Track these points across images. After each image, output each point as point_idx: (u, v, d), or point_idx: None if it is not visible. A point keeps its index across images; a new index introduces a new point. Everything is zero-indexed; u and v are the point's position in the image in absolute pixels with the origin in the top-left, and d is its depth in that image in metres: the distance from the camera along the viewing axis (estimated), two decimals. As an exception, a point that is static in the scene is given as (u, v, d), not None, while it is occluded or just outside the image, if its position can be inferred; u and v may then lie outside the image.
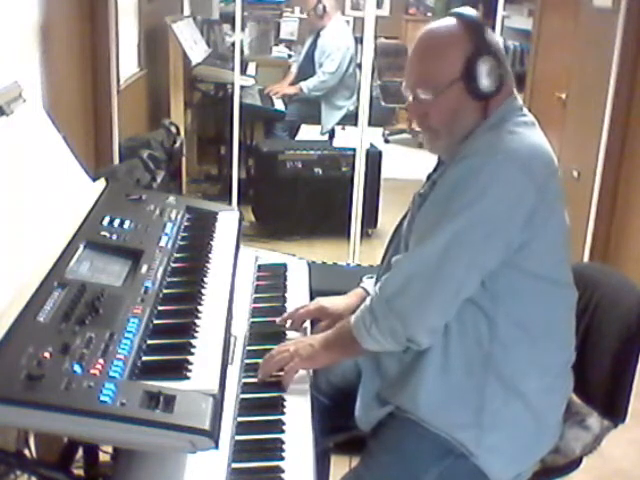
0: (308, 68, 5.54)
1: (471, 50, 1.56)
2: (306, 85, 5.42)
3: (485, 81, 1.56)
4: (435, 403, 1.58)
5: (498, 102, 1.59)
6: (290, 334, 1.84)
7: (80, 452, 1.60)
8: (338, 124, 5.62)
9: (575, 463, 1.76)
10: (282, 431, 1.51)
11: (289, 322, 1.85)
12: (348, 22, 6.59)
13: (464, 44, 1.57)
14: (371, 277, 1.91)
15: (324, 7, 5.38)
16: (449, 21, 1.61)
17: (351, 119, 5.42)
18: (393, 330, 1.54)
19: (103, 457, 1.70)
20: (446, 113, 1.58)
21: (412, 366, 1.60)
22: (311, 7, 5.46)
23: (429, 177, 1.70)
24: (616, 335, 1.73)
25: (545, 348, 1.60)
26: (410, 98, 1.63)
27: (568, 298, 1.67)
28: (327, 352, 1.67)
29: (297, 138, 5.70)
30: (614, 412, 1.73)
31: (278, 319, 1.85)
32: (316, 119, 5.56)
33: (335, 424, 1.77)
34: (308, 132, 5.84)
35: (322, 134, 5.59)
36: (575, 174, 4.17)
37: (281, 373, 1.64)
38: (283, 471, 1.41)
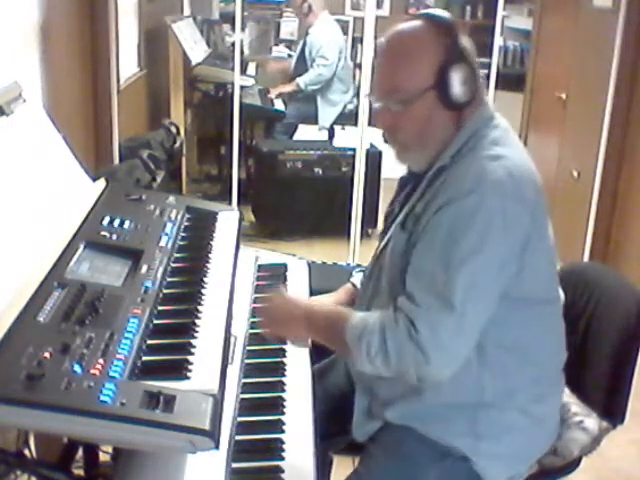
0: (301, 67, 5.55)
1: (444, 57, 1.47)
2: (302, 80, 5.41)
3: (459, 90, 1.47)
4: (428, 417, 1.56)
5: (470, 111, 1.52)
6: None
7: (80, 452, 1.60)
8: (338, 124, 5.61)
9: (573, 465, 1.75)
10: (282, 431, 1.51)
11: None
12: (348, 22, 6.60)
13: (436, 50, 1.47)
14: (361, 271, 1.88)
15: (309, 6, 5.41)
16: (418, 24, 1.51)
17: (351, 119, 5.41)
18: (406, 372, 1.46)
19: (103, 457, 1.70)
20: (417, 124, 1.51)
21: (404, 388, 1.57)
22: (297, 6, 5.50)
23: (403, 184, 1.67)
24: (615, 336, 1.72)
25: (535, 363, 1.59)
26: (378, 107, 1.55)
27: (557, 310, 1.65)
28: (305, 328, 1.63)
29: (296, 138, 5.69)
30: (613, 413, 1.73)
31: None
32: (313, 119, 5.55)
33: (333, 431, 1.74)
34: (306, 131, 5.83)
35: (320, 130, 5.58)
36: (575, 174, 4.17)
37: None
38: (283, 471, 1.41)
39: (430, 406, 1.56)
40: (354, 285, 1.90)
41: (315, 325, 1.61)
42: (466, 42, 1.52)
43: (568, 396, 1.73)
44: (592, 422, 1.71)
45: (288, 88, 5.56)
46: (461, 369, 1.49)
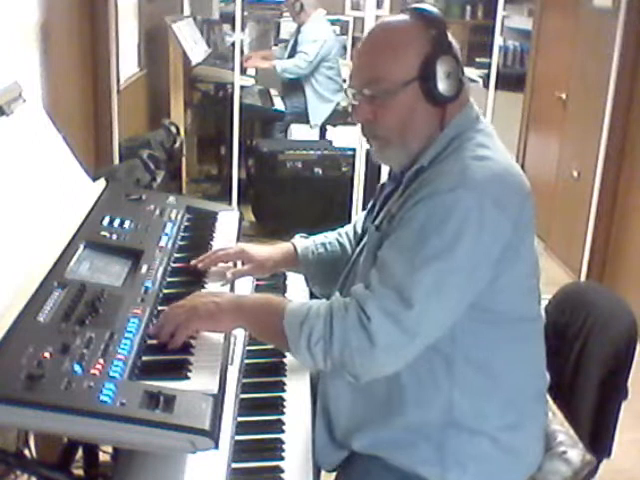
0: None
1: (430, 48, 1.43)
2: (280, 64, 5.42)
3: (444, 84, 1.43)
4: (393, 443, 1.49)
5: (455, 110, 1.47)
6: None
7: (80, 452, 1.60)
8: (329, 123, 5.59)
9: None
10: (282, 431, 1.52)
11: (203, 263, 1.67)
12: (348, 22, 6.60)
13: (423, 41, 1.44)
14: (304, 236, 1.83)
15: (301, 4, 5.42)
16: (406, 16, 1.48)
17: (342, 117, 5.40)
18: (347, 362, 1.36)
19: (103, 457, 1.70)
20: (399, 117, 1.45)
21: (365, 410, 1.51)
22: (290, 4, 5.51)
23: (383, 188, 1.60)
24: (602, 365, 1.62)
25: (507, 387, 1.50)
26: (356, 99, 1.49)
27: (535, 331, 1.56)
28: (235, 317, 1.43)
29: (293, 138, 5.69)
30: (597, 446, 1.63)
31: (193, 261, 1.65)
32: (304, 118, 5.54)
33: None
34: (298, 130, 5.82)
35: (311, 128, 5.57)
36: (575, 174, 4.17)
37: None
38: (283, 471, 1.41)
39: (397, 430, 1.48)
40: (294, 246, 1.81)
41: (246, 313, 1.44)
42: (453, 39, 1.48)
43: (560, 424, 1.65)
44: (575, 454, 1.60)
45: (264, 64, 5.58)
46: (429, 384, 1.45)
